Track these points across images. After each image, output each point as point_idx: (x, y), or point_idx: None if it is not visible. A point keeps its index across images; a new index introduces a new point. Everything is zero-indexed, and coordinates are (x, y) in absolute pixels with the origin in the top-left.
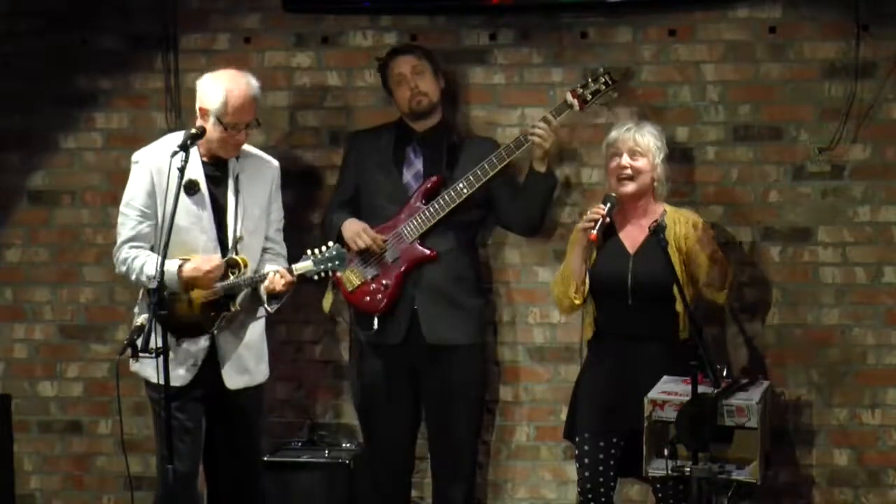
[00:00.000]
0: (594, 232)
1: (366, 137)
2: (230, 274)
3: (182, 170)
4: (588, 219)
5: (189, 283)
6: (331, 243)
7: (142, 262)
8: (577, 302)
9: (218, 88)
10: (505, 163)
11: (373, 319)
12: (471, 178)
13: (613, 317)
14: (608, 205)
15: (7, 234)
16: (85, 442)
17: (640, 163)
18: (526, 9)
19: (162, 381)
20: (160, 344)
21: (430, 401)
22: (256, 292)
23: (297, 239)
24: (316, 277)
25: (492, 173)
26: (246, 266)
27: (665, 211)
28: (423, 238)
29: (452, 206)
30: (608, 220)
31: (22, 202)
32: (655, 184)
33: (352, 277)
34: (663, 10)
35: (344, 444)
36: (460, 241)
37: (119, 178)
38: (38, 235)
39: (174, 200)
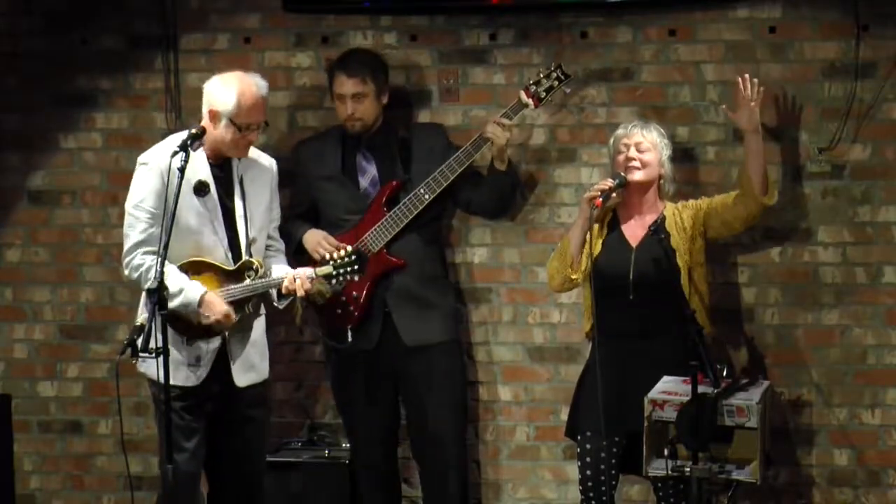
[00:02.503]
0: (600, 199)
1: (310, 148)
2: (246, 276)
3: (182, 170)
4: (595, 189)
5: (203, 313)
6: (349, 247)
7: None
8: (573, 277)
9: (230, 90)
10: (465, 166)
11: (346, 332)
12: (432, 184)
13: (615, 311)
14: (616, 181)
15: (7, 234)
16: (85, 442)
17: (648, 156)
18: (526, 9)
19: (171, 381)
20: (160, 344)
21: (410, 402)
22: (260, 294)
23: None
24: (334, 281)
25: (452, 178)
26: (262, 267)
27: (665, 206)
28: (388, 244)
29: (416, 212)
30: (614, 194)
31: (22, 202)
32: (662, 181)
33: (322, 290)
34: (663, 10)
35: (344, 444)
36: (425, 241)
37: (119, 178)
38: (38, 235)
39: (174, 200)
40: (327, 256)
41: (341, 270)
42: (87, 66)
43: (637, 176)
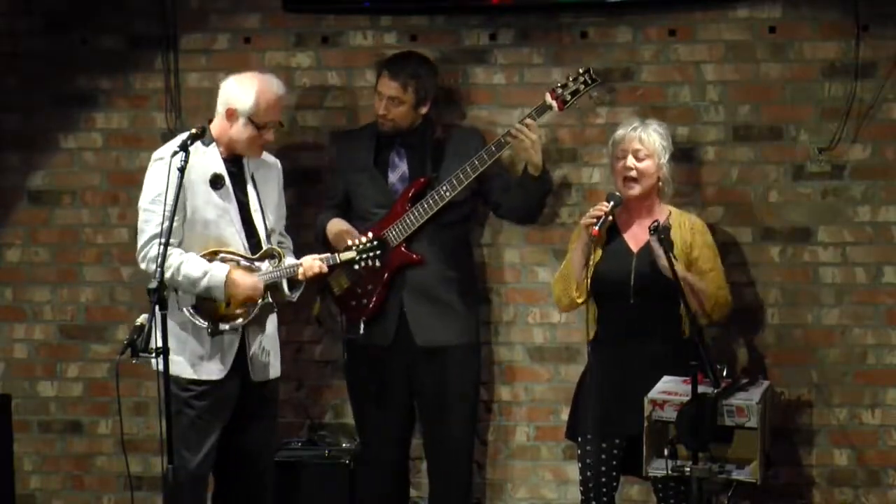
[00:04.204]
0: (597, 227)
1: (347, 141)
2: (269, 264)
3: (182, 170)
4: (591, 215)
5: (230, 293)
6: (370, 234)
7: (178, 262)
8: (578, 300)
9: (249, 89)
10: (487, 165)
11: (360, 323)
12: (453, 181)
13: (616, 316)
14: (612, 203)
15: (7, 234)
16: (85, 442)
17: (645, 164)
18: (526, 9)
19: (193, 376)
20: (160, 344)
21: (424, 402)
22: (276, 284)
23: (297, 237)
24: (357, 267)
25: (473, 176)
26: (282, 256)
27: (671, 213)
28: (410, 241)
29: (436, 209)
30: (611, 218)
31: (22, 202)
32: (661, 184)
33: (340, 281)
34: (663, 10)
35: (344, 444)
36: (448, 241)
37: (119, 178)
38: (38, 235)
39: (174, 200)
40: (350, 243)
41: (364, 255)
42: (87, 66)
43: (634, 191)
